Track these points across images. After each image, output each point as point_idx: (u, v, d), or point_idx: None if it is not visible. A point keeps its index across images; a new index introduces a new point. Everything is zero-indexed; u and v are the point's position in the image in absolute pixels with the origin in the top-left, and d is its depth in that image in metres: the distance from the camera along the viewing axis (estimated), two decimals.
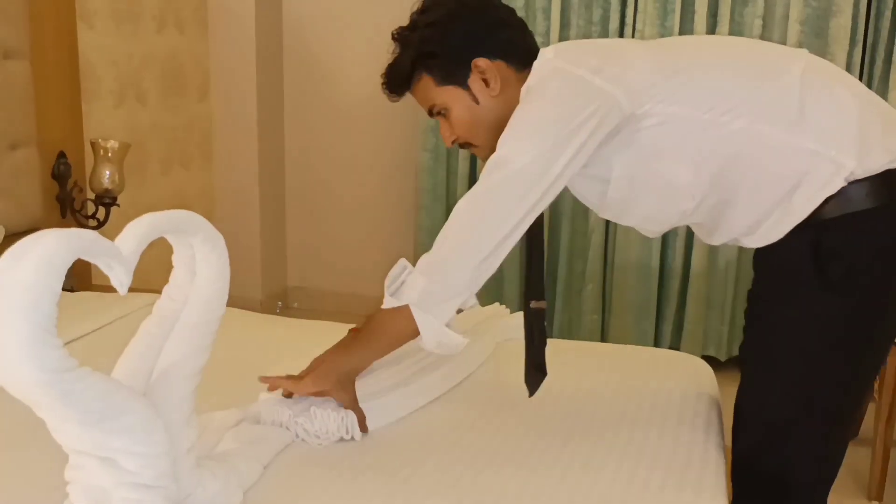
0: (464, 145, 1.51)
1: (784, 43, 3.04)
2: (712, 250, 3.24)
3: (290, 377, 1.44)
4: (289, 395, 1.45)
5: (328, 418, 1.39)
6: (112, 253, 1.00)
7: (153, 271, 1.64)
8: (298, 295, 4.05)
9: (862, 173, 1.30)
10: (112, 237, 1.04)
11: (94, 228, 2.05)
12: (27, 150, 2.43)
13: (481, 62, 1.44)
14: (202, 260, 1.18)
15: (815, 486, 1.47)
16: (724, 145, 1.34)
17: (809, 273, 1.33)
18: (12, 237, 1.82)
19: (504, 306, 2.06)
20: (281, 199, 3.96)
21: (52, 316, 0.95)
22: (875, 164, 1.31)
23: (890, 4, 3.00)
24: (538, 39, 1.52)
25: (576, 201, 1.63)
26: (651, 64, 1.38)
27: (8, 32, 2.35)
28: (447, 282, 1.38)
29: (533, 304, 1.56)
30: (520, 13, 1.58)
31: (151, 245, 1.08)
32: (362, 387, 1.47)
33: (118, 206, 2.61)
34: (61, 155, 2.55)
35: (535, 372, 1.54)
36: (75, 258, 0.97)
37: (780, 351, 1.40)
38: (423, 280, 1.38)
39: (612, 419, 1.54)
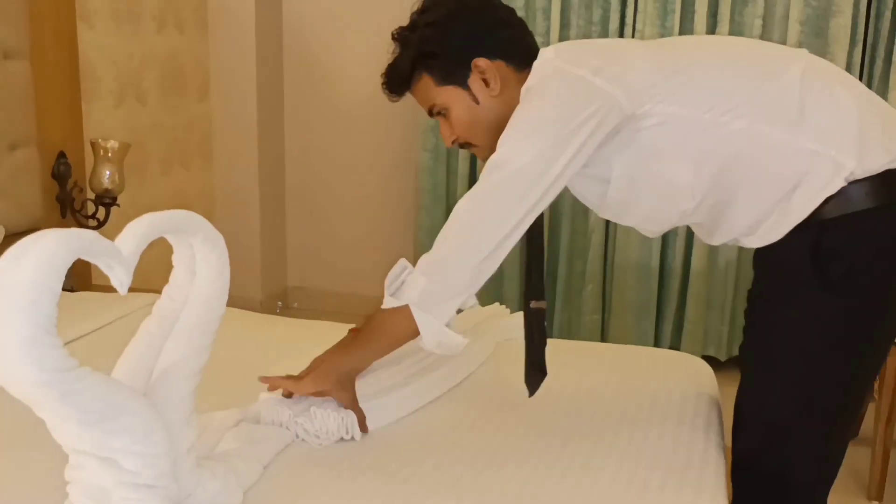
0: (464, 145, 1.51)
1: (784, 43, 3.04)
2: (712, 250, 3.24)
3: (289, 377, 1.44)
4: (289, 396, 1.45)
5: (328, 418, 1.39)
6: (112, 253, 1.00)
7: (153, 271, 1.64)
8: (298, 295, 4.05)
9: (862, 173, 1.30)
10: (112, 237, 1.04)
11: (94, 228, 2.04)
12: (27, 150, 2.43)
13: (481, 62, 1.44)
14: (202, 260, 1.18)
15: (815, 486, 1.47)
16: (725, 145, 1.34)
17: (809, 273, 1.33)
18: (12, 237, 1.82)
19: (504, 306, 2.06)
20: (281, 199, 3.96)
21: (53, 316, 0.95)
22: (875, 164, 1.31)
23: (890, 4, 3.01)
24: (538, 39, 1.52)
25: (576, 201, 1.63)
26: (651, 64, 1.38)
27: (8, 32, 2.35)
28: (447, 282, 1.38)
29: (533, 304, 1.56)
30: (520, 13, 1.59)
31: (151, 245, 1.08)
32: (362, 387, 1.47)
33: (118, 206, 2.61)
34: (61, 155, 2.55)
35: (535, 372, 1.54)
36: (75, 258, 0.97)
37: (781, 351, 1.40)
38: (423, 280, 1.38)
39: (612, 419, 1.54)
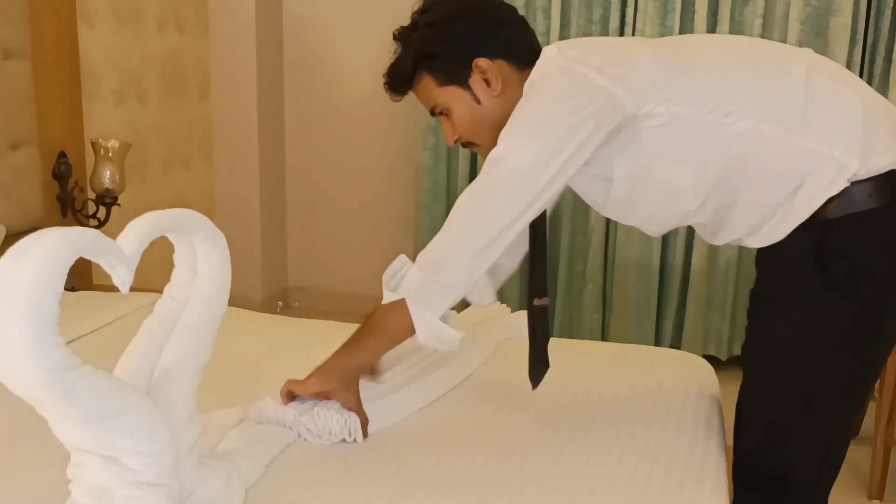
0: (466, 144, 1.52)
1: (784, 42, 3.04)
2: (713, 249, 3.24)
3: (294, 381, 1.44)
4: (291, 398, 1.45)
5: (331, 419, 1.39)
6: (114, 251, 1.00)
7: (153, 271, 1.64)
8: (299, 295, 4.06)
9: (865, 173, 1.30)
10: (113, 237, 1.04)
11: (94, 228, 2.04)
12: (28, 149, 2.44)
13: (482, 62, 1.44)
14: (203, 259, 1.18)
15: (817, 485, 1.47)
16: (728, 146, 1.34)
17: (812, 273, 1.33)
18: (13, 237, 1.82)
19: (505, 305, 2.06)
20: (281, 198, 3.96)
21: (55, 315, 0.95)
22: (879, 165, 1.30)
23: (890, 3, 3.00)
24: (538, 39, 1.53)
25: (576, 200, 1.63)
26: (655, 63, 1.38)
27: (8, 32, 2.35)
28: (443, 276, 1.38)
29: (536, 302, 1.56)
30: (520, 12, 1.59)
31: (152, 244, 1.08)
32: (364, 387, 1.47)
33: (119, 205, 2.61)
34: (62, 155, 2.55)
35: (539, 364, 1.55)
36: (77, 257, 0.97)
37: (782, 350, 1.40)
38: (419, 274, 1.38)
39: (614, 418, 1.54)
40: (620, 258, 3.33)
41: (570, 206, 3.38)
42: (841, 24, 3.02)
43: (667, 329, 3.37)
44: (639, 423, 1.52)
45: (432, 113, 1.52)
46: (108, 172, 2.57)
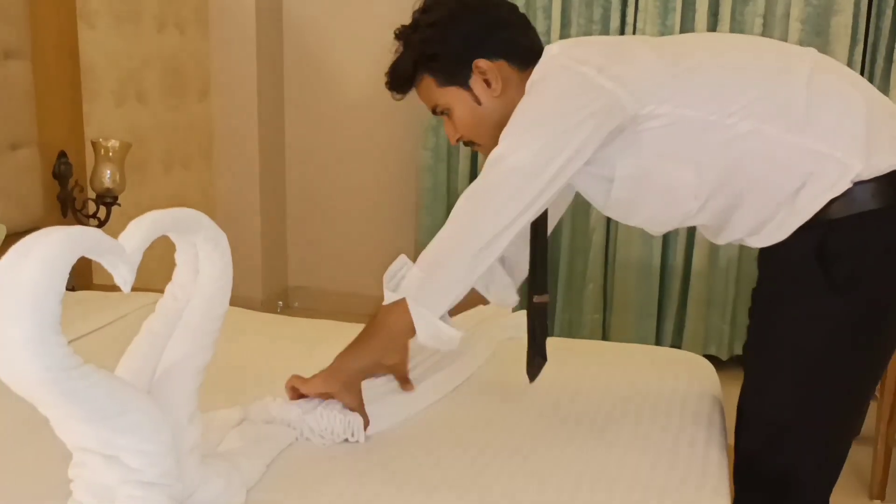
0: (468, 143, 1.52)
1: (784, 41, 3.04)
2: (713, 249, 3.24)
3: (299, 377, 1.44)
4: (297, 397, 1.45)
5: (334, 420, 1.39)
6: (116, 251, 1.00)
7: (154, 271, 1.64)
8: (299, 294, 4.05)
9: (868, 174, 1.30)
10: (113, 237, 1.03)
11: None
12: (28, 149, 2.43)
13: (482, 63, 1.44)
14: (205, 258, 1.18)
15: (818, 485, 1.47)
16: (729, 147, 1.34)
17: (814, 273, 1.33)
18: (14, 236, 1.82)
19: None
20: (281, 198, 3.96)
21: (57, 314, 0.95)
22: (882, 165, 1.30)
23: (891, 3, 3.00)
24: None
25: (577, 199, 1.63)
26: (657, 64, 1.38)
27: (9, 32, 2.35)
28: (442, 274, 1.38)
29: (536, 299, 1.56)
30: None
31: (152, 244, 1.08)
32: (366, 389, 1.47)
33: (119, 205, 2.61)
34: (62, 154, 2.55)
35: (537, 358, 1.55)
36: (79, 256, 0.97)
37: (784, 351, 1.40)
38: (419, 274, 1.38)
39: (615, 418, 1.54)
40: (621, 258, 3.33)
41: (571, 205, 3.36)
42: (842, 23, 3.02)
43: (667, 329, 3.37)
44: (640, 423, 1.52)
45: (434, 112, 1.52)
46: (109, 172, 2.57)
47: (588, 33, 3.28)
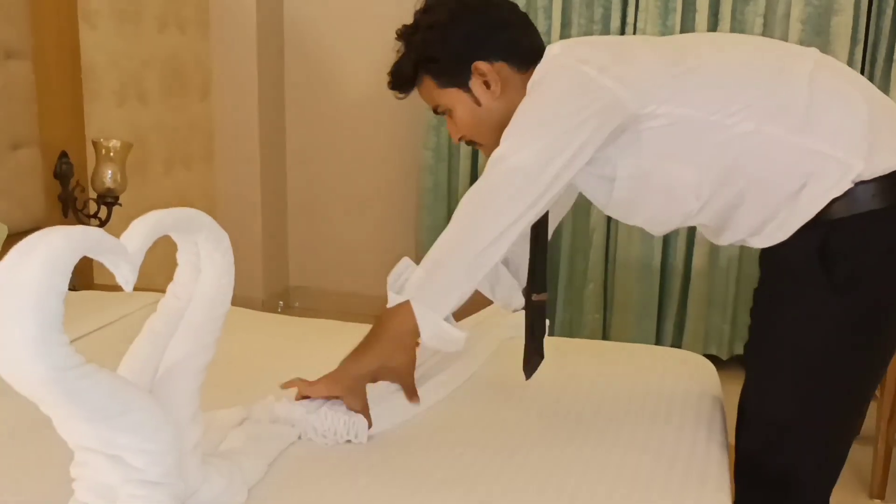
0: (470, 142, 1.53)
1: (785, 41, 3.04)
2: (714, 249, 3.24)
3: (304, 380, 1.44)
4: (303, 398, 1.45)
5: (338, 420, 1.39)
6: (118, 250, 1.00)
7: (155, 271, 1.64)
8: (300, 294, 4.06)
9: (870, 174, 1.30)
10: (115, 236, 1.03)
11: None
12: (29, 149, 2.44)
13: (481, 65, 1.44)
14: (207, 258, 1.18)
15: (818, 485, 1.47)
16: (731, 147, 1.34)
17: (815, 273, 1.33)
18: (14, 237, 1.82)
19: None
20: (282, 198, 3.96)
21: (59, 313, 0.95)
22: (884, 165, 1.30)
23: (891, 3, 3.01)
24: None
25: (578, 199, 1.64)
26: (659, 63, 1.38)
27: (10, 33, 2.35)
28: (445, 275, 1.38)
29: (534, 297, 1.56)
30: None
31: (152, 244, 1.08)
32: (369, 389, 1.47)
33: (120, 205, 2.61)
34: (63, 154, 2.55)
35: (534, 356, 1.55)
36: (82, 256, 0.97)
37: (785, 351, 1.40)
38: (423, 275, 1.39)
39: (616, 417, 1.54)
40: (621, 257, 3.33)
41: (572, 205, 3.37)
42: (842, 23, 3.02)
43: (668, 328, 3.37)
44: (641, 422, 1.52)
45: (435, 111, 1.53)
46: (110, 172, 2.57)
47: (588, 33, 3.28)
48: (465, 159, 3.47)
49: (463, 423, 1.50)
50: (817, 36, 3.06)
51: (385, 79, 1.52)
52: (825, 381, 1.38)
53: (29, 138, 2.43)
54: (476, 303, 1.58)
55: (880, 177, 1.30)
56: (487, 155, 1.46)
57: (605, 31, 3.28)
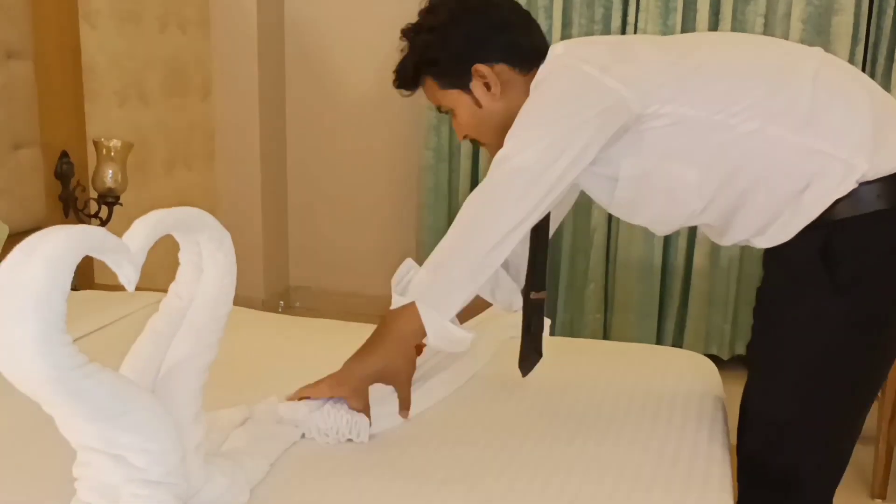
0: (475, 140, 1.53)
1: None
2: (714, 249, 3.24)
3: (306, 386, 1.44)
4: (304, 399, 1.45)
5: (341, 419, 1.39)
6: (120, 249, 1.00)
7: (156, 270, 1.64)
8: (300, 294, 4.06)
9: (874, 174, 1.29)
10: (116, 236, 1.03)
11: None
12: (30, 149, 2.44)
13: (481, 68, 1.45)
14: (209, 257, 1.18)
15: (821, 485, 1.47)
16: (734, 147, 1.34)
17: (818, 274, 1.32)
18: (16, 236, 1.82)
19: None
20: (283, 198, 3.96)
21: (62, 313, 0.95)
22: (888, 166, 1.30)
23: (892, 2, 3.01)
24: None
25: (578, 198, 1.64)
26: (662, 63, 1.38)
27: (11, 32, 2.35)
28: (450, 276, 1.38)
29: (533, 295, 1.56)
30: None
31: (154, 244, 1.08)
32: (372, 390, 1.47)
33: (121, 205, 2.61)
34: (64, 154, 2.55)
35: (531, 354, 1.55)
36: (84, 255, 0.97)
37: (787, 351, 1.40)
38: (427, 276, 1.38)
39: (617, 417, 1.54)
40: (622, 257, 3.33)
41: (572, 205, 3.37)
42: (843, 22, 3.02)
43: (669, 328, 3.37)
44: (643, 421, 1.52)
45: (439, 110, 1.54)
46: (111, 172, 2.57)
47: (589, 33, 3.28)
48: (465, 159, 3.47)
49: (464, 422, 1.50)
50: (818, 35, 3.06)
51: (386, 79, 1.53)
52: (827, 381, 1.38)
53: (30, 138, 2.43)
54: (476, 307, 1.58)
55: (885, 177, 1.30)
56: (492, 153, 1.46)
57: (606, 30, 3.28)
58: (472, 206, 1.39)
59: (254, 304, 3.31)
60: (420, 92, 1.53)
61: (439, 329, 1.38)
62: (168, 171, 3.39)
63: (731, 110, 1.33)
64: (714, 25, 3.17)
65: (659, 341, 3.37)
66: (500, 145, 1.39)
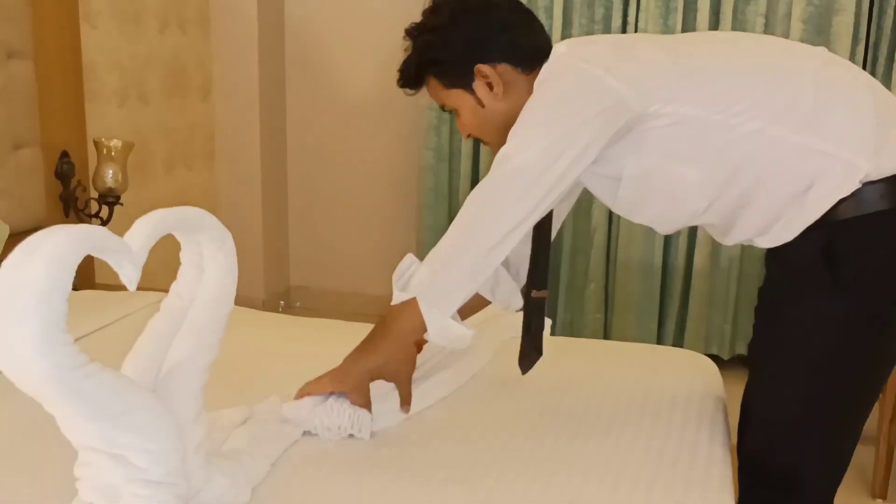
0: (478, 138, 1.53)
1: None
2: (715, 248, 3.24)
3: (309, 382, 1.44)
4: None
5: (343, 414, 1.39)
6: (122, 249, 1.00)
7: (157, 270, 1.64)
8: (301, 294, 4.06)
9: (877, 175, 1.29)
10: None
11: None
12: (31, 149, 2.44)
13: (483, 68, 1.45)
14: (210, 257, 1.18)
15: (822, 485, 1.46)
16: (736, 147, 1.34)
17: (821, 274, 1.32)
18: (16, 236, 1.82)
19: None
20: (283, 198, 3.96)
21: (63, 313, 0.95)
22: (891, 166, 1.30)
23: (892, 2, 3.01)
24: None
25: (578, 199, 1.64)
26: (665, 63, 1.38)
27: (11, 32, 2.35)
28: (451, 273, 1.38)
29: (534, 294, 1.56)
30: None
31: (155, 243, 1.08)
32: (373, 388, 1.47)
33: (121, 205, 2.61)
34: (64, 154, 2.55)
35: (531, 352, 1.55)
36: (85, 254, 0.97)
37: (789, 351, 1.40)
38: (429, 273, 1.39)
39: (618, 417, 1.54)
40: (623, 257, 3.33)
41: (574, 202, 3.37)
42: (843, 22, 3.02)
43: (669, 328, 3.37)
44: (643, 421, 1.52)
45: (442, 109, 1.54)
46: (111, 172, 2.57)
47: (590, 33, 3.28)
48: (466, 159, 3.47)
49: (465, 421, 1.50)
50: (818, 35, 3.07)
51: (386, 79, 1.53)
52: (829, 381, 1.38)
53: (30, 138, 2.43)
54: (475, 305, 1.58)
55: (889, 177, 1.30)
56: (495, 152, 1.46)
57: (607, 30, 3.28)
58: (473, 204, 1.39)
59: (254, 303, 3.32)
60: (421, 92, 1.53)
61: (440, 326, 1.38)
62: (168, 171, 3.39)
63: (733, 110, 1.33)
64: (714, 25, 3.17)
65: (659, 341, 3.37)
66: (501, 143, 1.39)
